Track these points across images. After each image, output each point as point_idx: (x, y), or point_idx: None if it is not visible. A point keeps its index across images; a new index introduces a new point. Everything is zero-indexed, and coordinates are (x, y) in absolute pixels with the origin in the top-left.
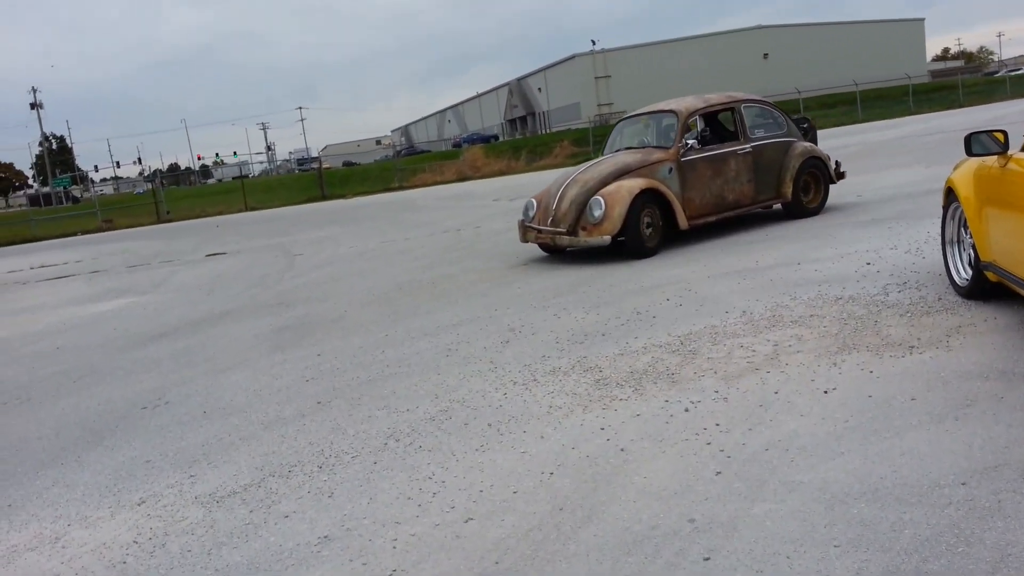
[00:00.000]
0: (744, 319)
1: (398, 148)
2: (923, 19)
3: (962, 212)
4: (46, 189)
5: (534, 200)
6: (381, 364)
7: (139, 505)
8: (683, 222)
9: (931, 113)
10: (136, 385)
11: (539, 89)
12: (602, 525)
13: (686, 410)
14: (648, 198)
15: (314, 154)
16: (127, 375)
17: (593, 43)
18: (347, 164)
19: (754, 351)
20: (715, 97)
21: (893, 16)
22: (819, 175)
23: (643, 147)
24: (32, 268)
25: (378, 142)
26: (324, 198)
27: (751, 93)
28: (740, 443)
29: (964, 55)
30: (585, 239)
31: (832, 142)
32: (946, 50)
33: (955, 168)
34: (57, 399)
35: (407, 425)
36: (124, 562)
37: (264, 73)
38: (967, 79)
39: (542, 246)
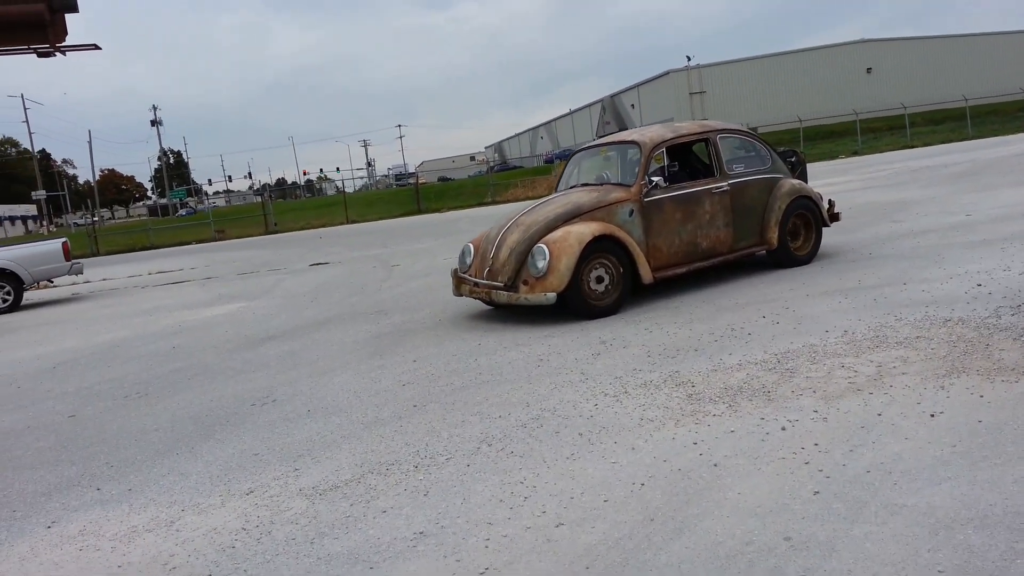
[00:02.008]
0: (845, 339)
1: (491, 164)
2: None
3: None
4: (163, 200)
5: (471, 246)
6: (474, 372)
7: (247, 495)
8: (647, 274)
9: None
10: (246, 384)
11: (632, 105)
12: (694, 538)
13: (783, 428)
14: (604, 246)
15: (411, 170)
16: (237, 374)
17: (688, 59)
18: (442, 179)
19: (856, 371)
20: (687, 127)
21: (1009, 28)
22: (810, 217)
23: (602, 184)
24: (150, 274)
25: (472, 158)
26: (420, 212)
27: (729, 122)
28: (840, 464)
29: None
30: (526, 296)
31: (940, 159)
32: None
33: None
34: (173, 395)
35: (499, 431)
36: (233, 547)
37: (365, 93)
38: None
39: (482, 300)
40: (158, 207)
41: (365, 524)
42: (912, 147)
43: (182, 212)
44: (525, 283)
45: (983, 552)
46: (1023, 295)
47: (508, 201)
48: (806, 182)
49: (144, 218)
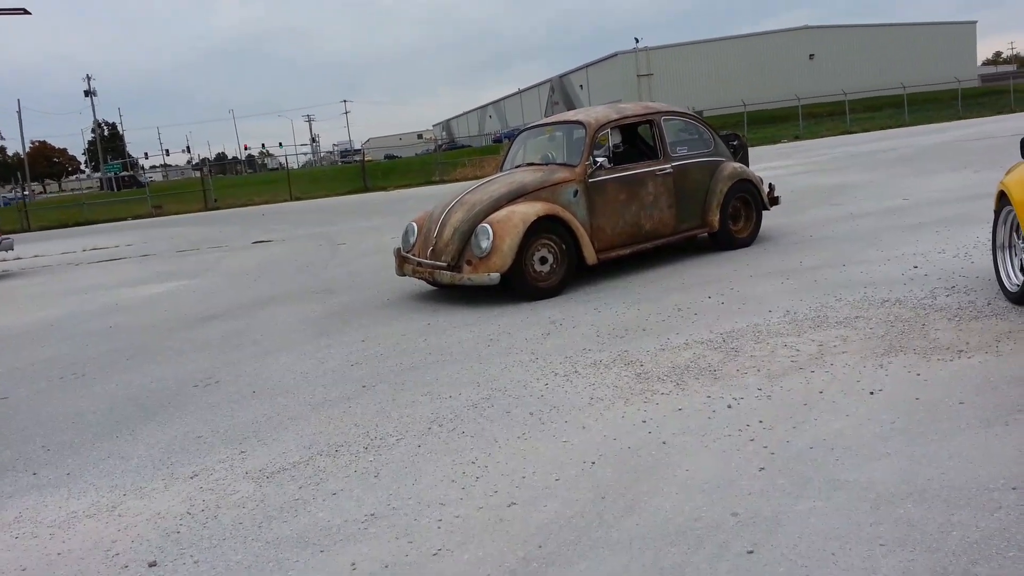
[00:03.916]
0: (788, 319)
1: (439, 142)
2: (975, 22)
3: (1015, 216)
4: (97, 175)
5: (415, 224)
6: (423, 351)
7: (192, 478)
8: (591, 255)
9: (981, 118)
10: (187, 365)
11: (580, 86)
12: (644, 515)
13: (728, 406)
14: (548, 226)
15: (357, 147)
16: (178, 355)
17: (636, 41)
18: (389, 157)
19: (798, 351)
20: (631, 108)
21: (944, 19)
22: (750, 201)
23: (547, 164)
24: (84, 250)
25: (420, 136)
26: (367, 190)
27: (675, 105)
28: (784, 440)
29: (1017, 59)
30: (470, 276)
31: (878, 144)
32: (998, 54)
33: (1008, 172)
34: (111, 376)
35: (450, 411)
36: (178, 532)
37: (310, 67)
38: (1019, 83)
39: (426, 280)
40: (108, 181)
41: (315, 507)
42: (852, 132)
43: (147, 179)
44: (468, 263)
45: (922, 525)
46: (957, 277)
47: (456, 180)
48: (747, 165)
49: (92, 191)
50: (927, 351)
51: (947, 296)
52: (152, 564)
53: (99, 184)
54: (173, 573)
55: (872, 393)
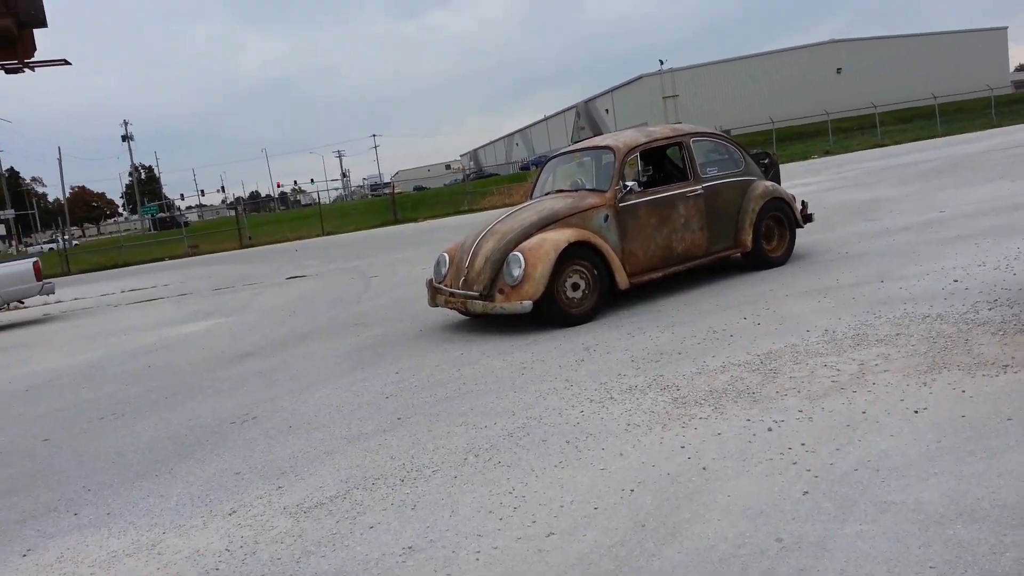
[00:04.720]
0: (827, 338)
1: (467, 172)
2: (1006, 28)
3: None
4: (135, 217)
5: (446, 255)
6: (458, 382)
7: (230, 515)
8: (623, 280)
9: (1015, 126)
10: (224, 401)
11: (606, 110)
12: (686, 543)
13: (769, 429)
14: (579, 252)
15: (386, 179)
16: (215, 392)
17: (661, 63)
18: (418, 188)
19: (839, 370)
20: (659, 131)
21: (973, 26)
22: (783, 219)
23: (576, 190)
24: (123, 292)
25: (448, 166)
26: (397, 222)
27: (700, 125)
28: (827, 463)
29: None
30: (502, 305)
31: (911, 157)
32: None
33: None
34: (150, 415)
35: (486, 441)
36: (217, 568)
37: (338, 103)
38: None
39: (458, 311)
40: (159, 221)
41: (352, 541)
42: (883, 146)
43: (184, 219)
44: (501, 292)
45: (973, 546)
46: (999, 290)
47: (485, 209)
48: (779, 183)
49: (130, 233)
50: (971, 367)
51: (990, 310)
52: None
53: (145, 225)
54: None
55: (916, 412)
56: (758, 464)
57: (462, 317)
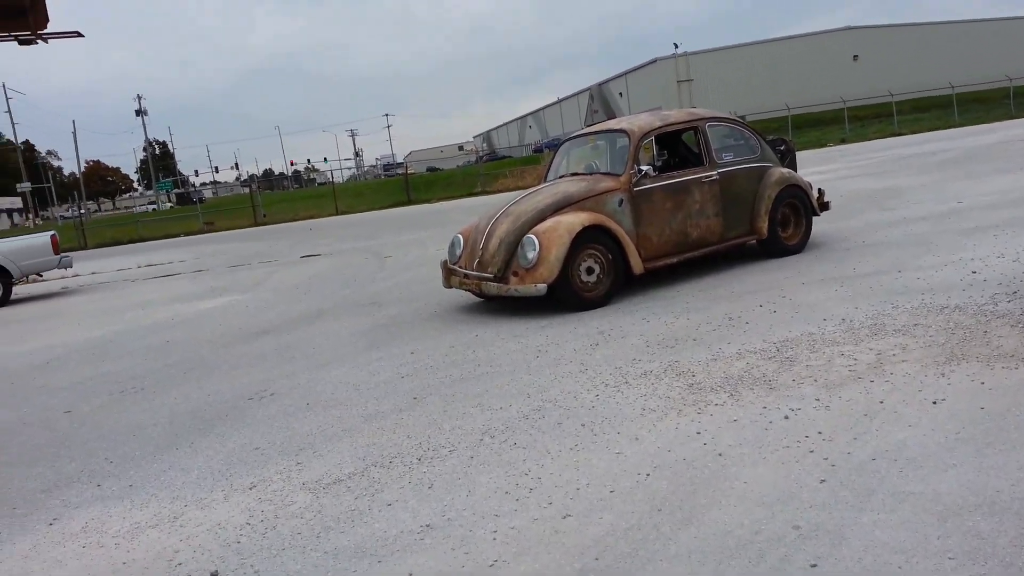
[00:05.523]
0: (844, 327)
1: (480, 154)
2: None
3: None
4: (150, 192)
5: (461, 236)
6: (472, 363)
7: (250, 489)
8: (637, 265)
9: None
10: (242, 378)
11: (620, 94)
12: (702, 528)
13: (786, 417)
14: (594, 236)
15: (400, 160)
16: (233, 368)
17: (676, 46)
18: (431, 169)
19: (856, 359)
20: (675, 115)
21: (993, 15)
22: (800, 207)
23: (591, 173)
24: (139, 267)
25: (461, 148)
26: (410, 203)
27: (716, 110)
28: (845, 452)
29: None
30: (516, 287)
31: (928, 146)
32: None
33: None
34: (169, 389)
35: (501, 423)
36: (238, 542)
37: (351, 81)
38: None
39: (472, 292)
40: (184, 196)
41: (371, 517)
42: (900, 134)
43: (198, 196)
44: (515, 274)
45: (993, 538)
46: (1018, 281)
47: (498, 191)
48: (795, 171)
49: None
50: (990, 359)
51: (1009, 302)
52: (214, 574)
53: (166, 200)
54: None
55: (935, 403)
56: (775, 452)
57: (476, 298)
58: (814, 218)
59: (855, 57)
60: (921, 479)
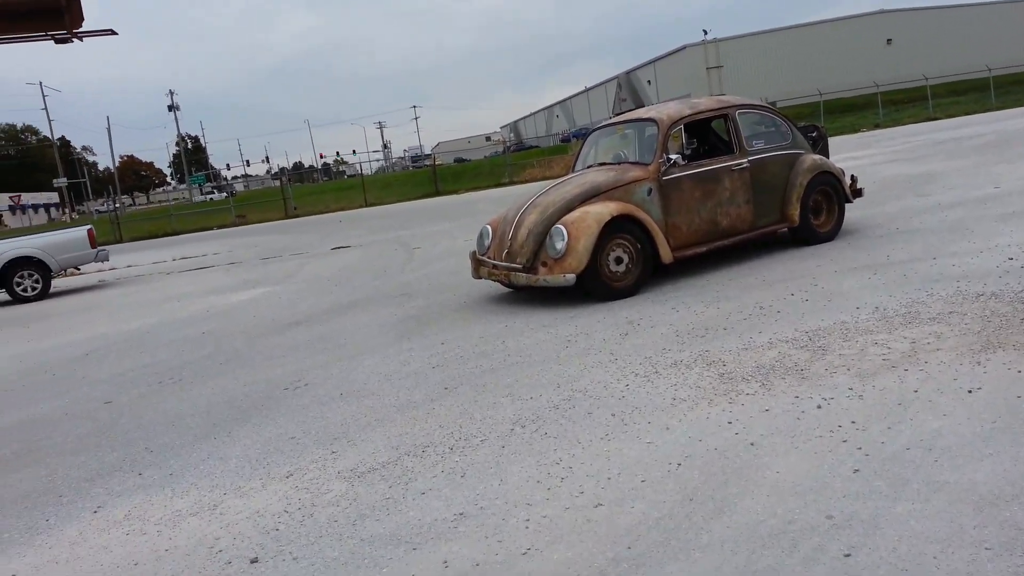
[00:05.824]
0: (877, 315)
1: (507, 144)
2: None
3: None
4: (183, 186)
5: (489, 227)
6: (502, 353)
7: (287, 478)
8: (666, 254)
9: None
10: (277, 368)
11: (648, 82)
12: (735, 517)
13: (818, 407)
14: (623, 226)
15: (427, 151)
16: (267, 359)
17: (704, 33)
18: (458, 160)
19: (890, 348)
20: (704, 102)
21: None
22: (832, 194)
23: (619, 163)
24: (174, 260)
25: (488, 138)
26: (438, 194)
27: (746, 97)
28: (879, 441)
29: None
30: (545, 277)
31: (964, 131)
32: None
33: None
34: (206, 380)
35: (531, 412)
36: (277, 529)
37: (377, 75)
38: None
39: (501, 283)
40: (209, 190)
41: (405, 506)
42: (935, 119)
43: (230, 190)
44: (544, 264)
45: None
46: None
47: (526, 181)
48: (828, 157)
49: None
50: None
51: None
52: (254, 560)
53: (203, 192)
54: (274, 569)
55: (970, 392)
56: (807, 441)
57: (505, 289)
58: (847, 205)
59: (888, 41)
60: (956, 469)
